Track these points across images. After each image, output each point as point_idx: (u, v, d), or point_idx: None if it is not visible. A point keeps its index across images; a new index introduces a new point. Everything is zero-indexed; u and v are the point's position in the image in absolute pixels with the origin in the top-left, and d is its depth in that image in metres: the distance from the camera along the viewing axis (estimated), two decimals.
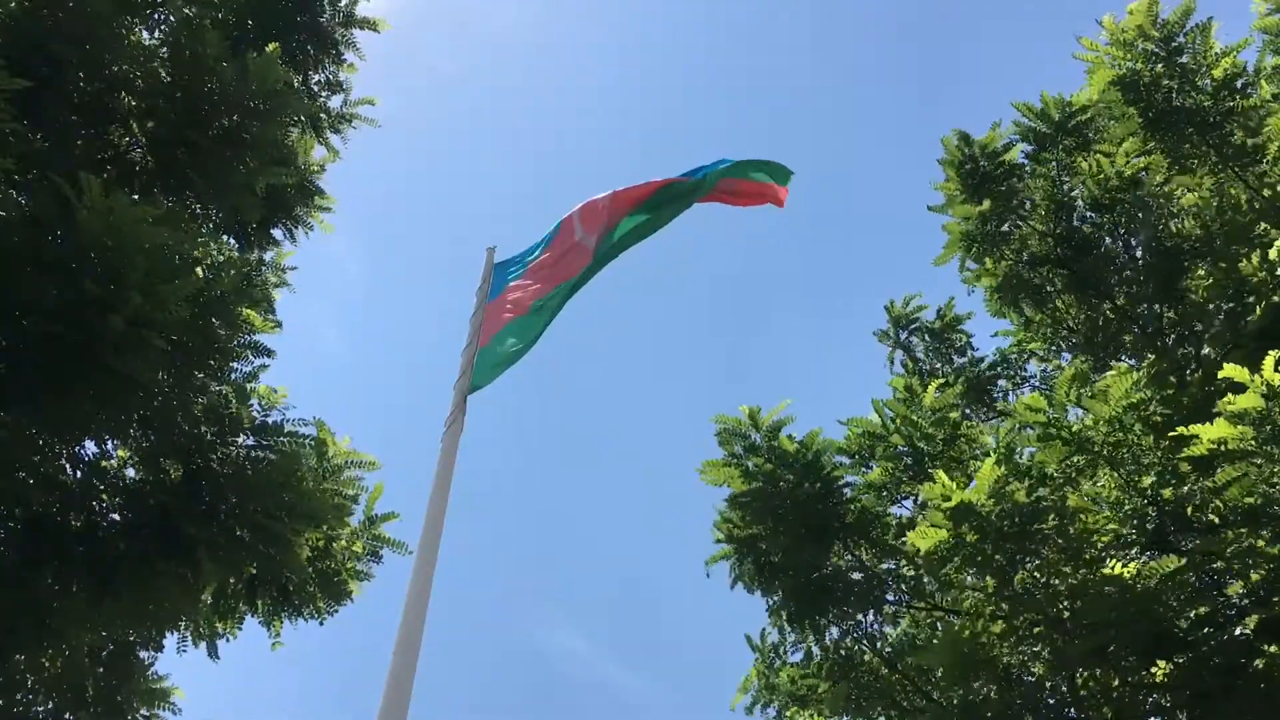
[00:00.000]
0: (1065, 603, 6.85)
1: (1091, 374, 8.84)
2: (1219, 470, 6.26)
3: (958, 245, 10.21)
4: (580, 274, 7.93)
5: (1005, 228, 9.83)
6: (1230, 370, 6.00)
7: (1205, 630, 6.60)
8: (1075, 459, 7.10)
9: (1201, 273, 9.03)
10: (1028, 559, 7.06)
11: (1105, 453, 7.04)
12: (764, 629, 9.51)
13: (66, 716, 6.21)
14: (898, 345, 12.35)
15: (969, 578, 7.52)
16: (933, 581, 8.39)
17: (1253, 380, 5.90)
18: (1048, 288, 9.88)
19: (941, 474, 7.10)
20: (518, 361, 7.41)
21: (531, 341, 7.50)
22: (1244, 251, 8.59)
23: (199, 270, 5.67)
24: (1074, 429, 7.12)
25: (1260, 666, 6.34)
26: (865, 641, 8.73)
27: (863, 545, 8.33)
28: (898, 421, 8.26)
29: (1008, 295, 10.16)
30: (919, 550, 7.43)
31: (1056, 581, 6.96)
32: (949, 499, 6.89)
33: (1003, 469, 6.97)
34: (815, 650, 8.98)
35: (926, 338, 12.21)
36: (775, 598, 8.59)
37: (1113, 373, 7.67)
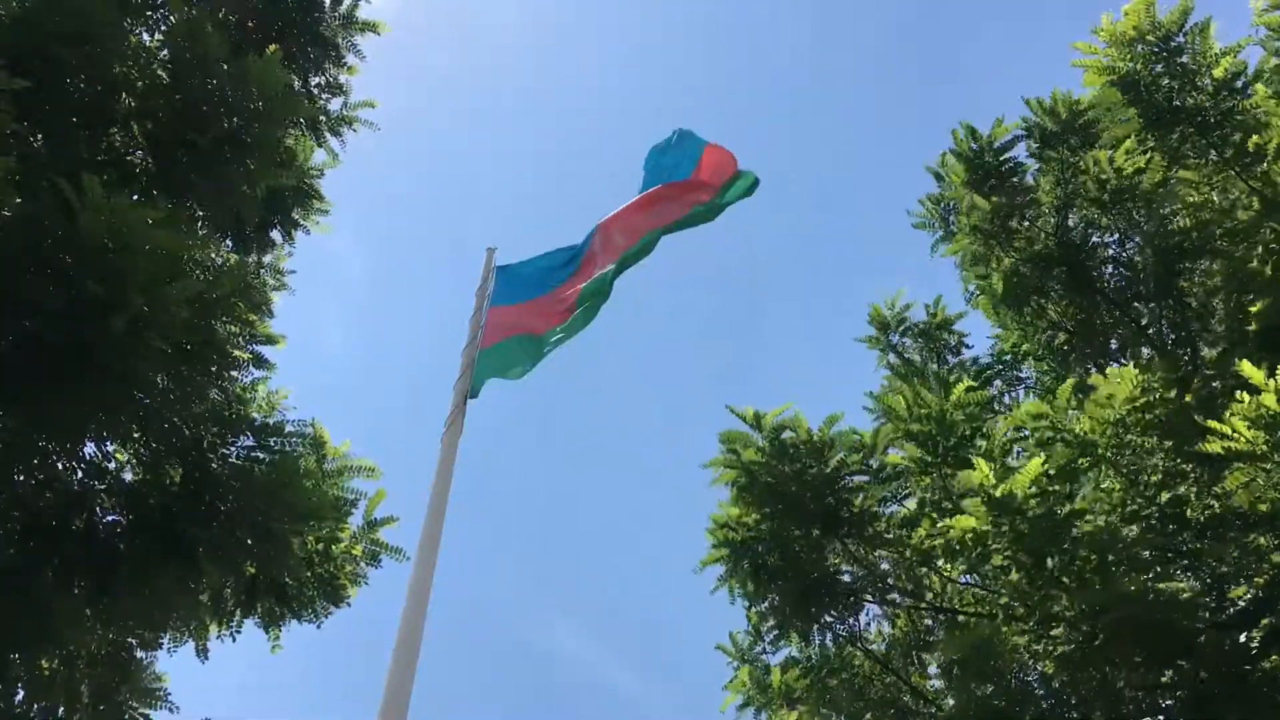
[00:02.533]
0: (1080, 603, 6.81)
1: (1086, 373, 8.82)
2: (1228, 473, 6.18)
3: (966, 236, 10.13)
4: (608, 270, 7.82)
5: (1012, 223, 9.82)
6: (1245, 369, 5.90)
7: (1209, 635, 6.57)
8: (1081, 461, 7.05)
9: (1202, 271, 9.00)
10: (1056, 556, 7.00)
11: (1109, 455, 7.01)
12: (732, 633, 9.43)
13: (62, 716, 6.20)
14: (888, 348, 11.86)
15: (987, 571, 7.45)
16: (929, 580, 8.37)
17: (1268, 384, 5.80)
18: (1047, 288, 9.85)
19: (981, 462, 6.92)
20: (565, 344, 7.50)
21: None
22: (1247, 249, 8.53)
23: (200, 272, 5.66)
24: (1076, 432, 7.09)
25: (1265, 671, 6.32)
26: (855, 642, 8.68)
27: (861, 542, 8.27)
28: (930, 408, 7.99)
29: (1011, 295, 10.06)
30: (922, 545, 7.39)
31: (1067, 581, 6.93)
32: (993, 489, 6.73)
33: (1044, 465, 6.82)
34: (796, 653, 8.92)
35: (919, 339, 11.78)
36: (767, 603, 8.50)
37: (1111, 372, 7.62)
